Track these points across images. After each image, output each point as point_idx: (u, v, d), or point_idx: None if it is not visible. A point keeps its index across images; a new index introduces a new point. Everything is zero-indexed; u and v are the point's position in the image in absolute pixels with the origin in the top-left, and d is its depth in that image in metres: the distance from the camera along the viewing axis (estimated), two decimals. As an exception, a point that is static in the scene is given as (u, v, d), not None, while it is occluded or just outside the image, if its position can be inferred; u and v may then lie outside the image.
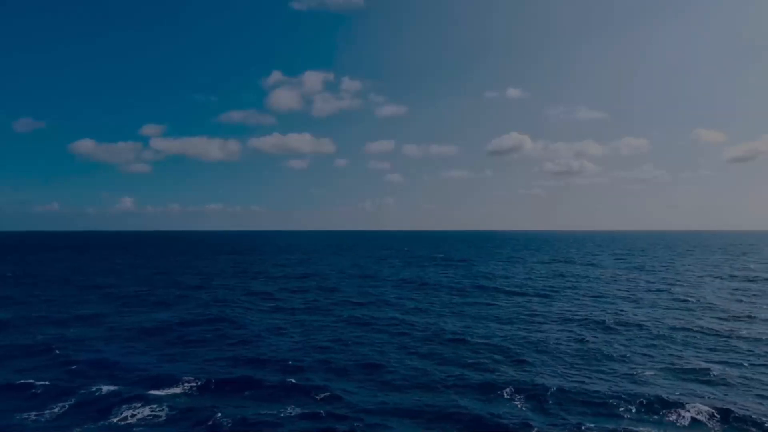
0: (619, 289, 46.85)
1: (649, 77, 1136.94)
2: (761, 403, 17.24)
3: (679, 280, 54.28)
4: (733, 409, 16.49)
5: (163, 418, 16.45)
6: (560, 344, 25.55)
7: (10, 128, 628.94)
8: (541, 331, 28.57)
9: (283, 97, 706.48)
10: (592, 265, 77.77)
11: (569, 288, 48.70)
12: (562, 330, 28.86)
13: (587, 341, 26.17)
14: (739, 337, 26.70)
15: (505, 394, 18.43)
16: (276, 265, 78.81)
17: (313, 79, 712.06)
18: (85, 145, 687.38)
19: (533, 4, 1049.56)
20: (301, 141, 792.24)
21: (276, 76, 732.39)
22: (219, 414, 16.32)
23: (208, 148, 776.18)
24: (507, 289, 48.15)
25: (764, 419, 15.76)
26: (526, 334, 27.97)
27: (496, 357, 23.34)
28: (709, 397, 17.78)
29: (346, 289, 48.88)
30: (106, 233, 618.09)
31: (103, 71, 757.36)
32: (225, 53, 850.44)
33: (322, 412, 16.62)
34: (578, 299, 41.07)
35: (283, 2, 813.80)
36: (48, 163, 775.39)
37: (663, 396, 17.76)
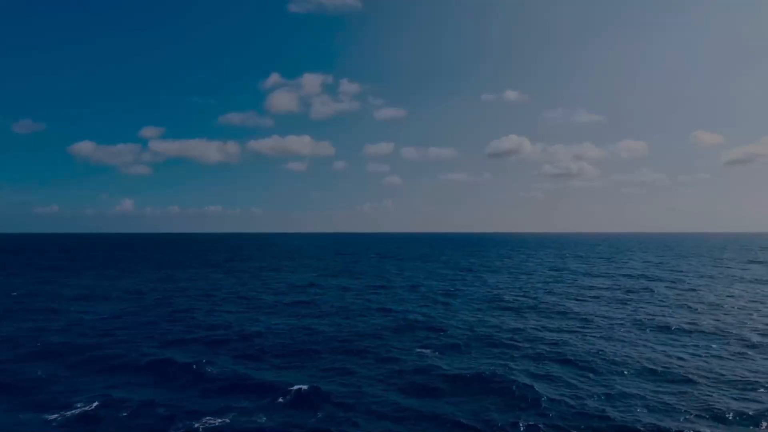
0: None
1: (647, 80, 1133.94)
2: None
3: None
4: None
5: None
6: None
7: (10, 130, 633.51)
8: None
9: (282, 100, 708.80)
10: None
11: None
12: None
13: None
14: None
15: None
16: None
17: (311, 81, 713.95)
18: (85, 147, 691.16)
19: (531, 7, 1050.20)
20: (300, 143, 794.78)
21: (274, 78, 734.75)
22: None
23: (208, 150, 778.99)
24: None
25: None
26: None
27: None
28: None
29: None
30: (105, 235, 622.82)
31: (102, 73, 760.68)
32: (223, 56, 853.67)
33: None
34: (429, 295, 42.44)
35: (281, 5, 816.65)
36: (48, 164, 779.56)
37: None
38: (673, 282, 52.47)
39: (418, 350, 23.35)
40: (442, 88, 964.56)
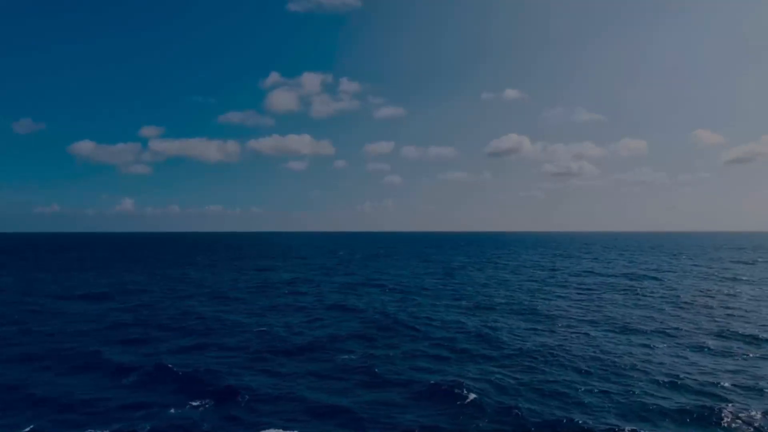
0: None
1: (647, 79, 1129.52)
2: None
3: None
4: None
5: None
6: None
7: (10, 130, 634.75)
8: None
9: (282, 99, 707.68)
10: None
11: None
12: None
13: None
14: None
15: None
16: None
17: (311, 80, 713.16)
18: (85, 147, 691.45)
19: (531, 6, 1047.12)
20: (300, 142, 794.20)
21: (274, 77, 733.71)
22: None
23: (208, 149, 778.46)
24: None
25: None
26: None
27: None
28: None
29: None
30: (105, 235, 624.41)
31: (102, 73, 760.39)
32: (223, 55, 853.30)
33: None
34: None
35: (280, 4, 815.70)
36: (48, 164, 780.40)
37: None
38: (652, 280, 52.55)
39: (358, 351, 23.37)
40: (442, 87, 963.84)
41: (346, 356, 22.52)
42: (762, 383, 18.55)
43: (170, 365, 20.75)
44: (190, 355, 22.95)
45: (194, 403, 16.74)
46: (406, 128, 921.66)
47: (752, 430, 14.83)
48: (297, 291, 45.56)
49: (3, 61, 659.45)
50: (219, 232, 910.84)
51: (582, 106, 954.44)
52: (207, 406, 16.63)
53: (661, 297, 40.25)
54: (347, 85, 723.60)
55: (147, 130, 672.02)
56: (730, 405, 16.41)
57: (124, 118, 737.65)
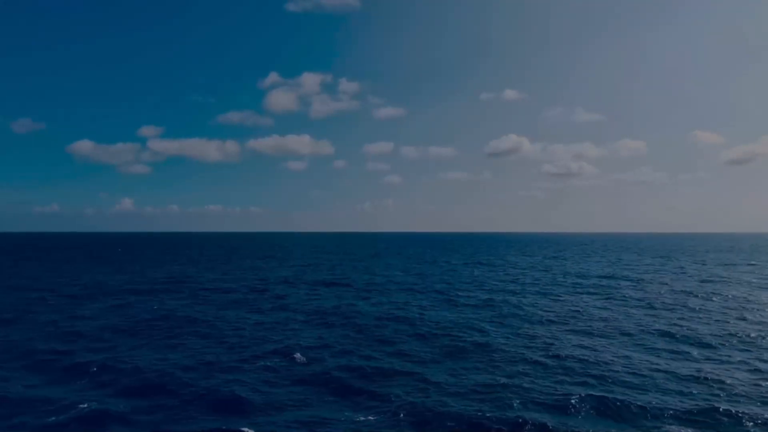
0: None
1: (647, 79, 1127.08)
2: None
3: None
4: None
5: None
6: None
7: (9, 129, 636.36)
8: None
9: (281, 99, 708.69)
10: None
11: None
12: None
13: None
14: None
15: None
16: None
17: (310, 80, 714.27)
18: (84, 146, 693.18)
19: (531, 6, 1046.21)
20: (299, 142, 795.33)
21: (273, 77, 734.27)
22: None
23: (207, 149, 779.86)
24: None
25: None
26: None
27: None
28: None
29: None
30: (105, 234, 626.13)
31: (101, 73, 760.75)
32: (222, 55, 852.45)
33: None
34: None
35: (279, 4, 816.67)
36: (47, 164, 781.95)
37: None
38: (626, 282, 52.80)
39: (299, 354, 23.58)
40: (442, 87, 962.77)
41: (285, 361, 22.75)
42: (688, 384, 18.88)
43: (116, 366, 21.21)
44: (136, 355, 23.30)
45: (138, 404, 17.10)
46: (406, 128, 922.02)
47: (665, 427, 15.17)
48: (267, 291, 45.88)
49: (3, 61, 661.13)
50: (218, 233, 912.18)
51: (581, 106, 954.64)
52: (143, 405, 16.96)
53: (627, 299, 40.48)
54: (346, 85, 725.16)
55: (146, 130, 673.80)
56: (649, 403, 16.70)
57: (124, 117, 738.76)
